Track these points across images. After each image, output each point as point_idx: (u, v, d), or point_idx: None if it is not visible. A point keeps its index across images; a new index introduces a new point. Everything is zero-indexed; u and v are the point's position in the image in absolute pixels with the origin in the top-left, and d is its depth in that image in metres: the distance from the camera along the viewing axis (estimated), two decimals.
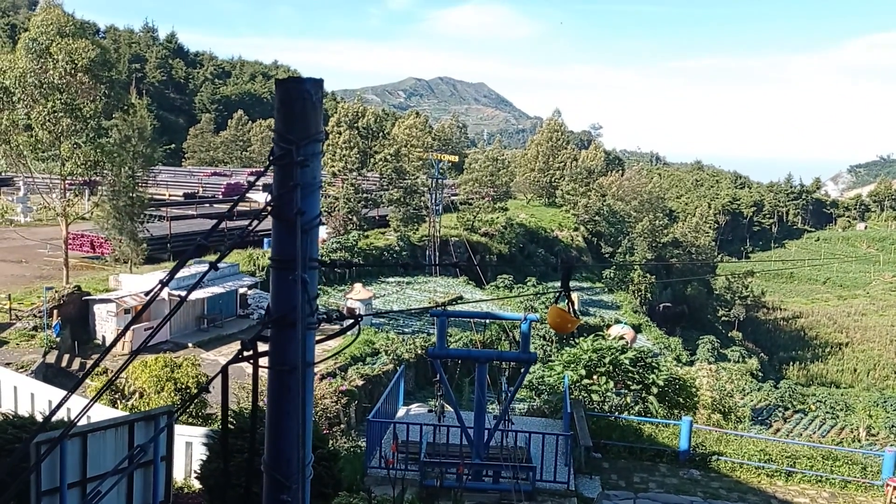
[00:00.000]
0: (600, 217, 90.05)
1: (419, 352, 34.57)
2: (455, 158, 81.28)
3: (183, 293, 29.07)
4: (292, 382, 4.03)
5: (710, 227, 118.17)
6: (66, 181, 36.20)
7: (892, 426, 51.58)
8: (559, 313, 10.79)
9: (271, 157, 4.05)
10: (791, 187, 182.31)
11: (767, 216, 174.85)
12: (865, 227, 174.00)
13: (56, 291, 31.36)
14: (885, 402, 56.84)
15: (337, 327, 3.91)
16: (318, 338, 4.43)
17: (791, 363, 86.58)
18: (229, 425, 13.24)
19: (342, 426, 25.01)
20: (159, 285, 3.98)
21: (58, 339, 29.22)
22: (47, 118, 32.94)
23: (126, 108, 36.97)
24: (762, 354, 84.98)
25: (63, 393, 19.93)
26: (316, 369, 4.49)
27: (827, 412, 57.09)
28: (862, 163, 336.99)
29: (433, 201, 62.12)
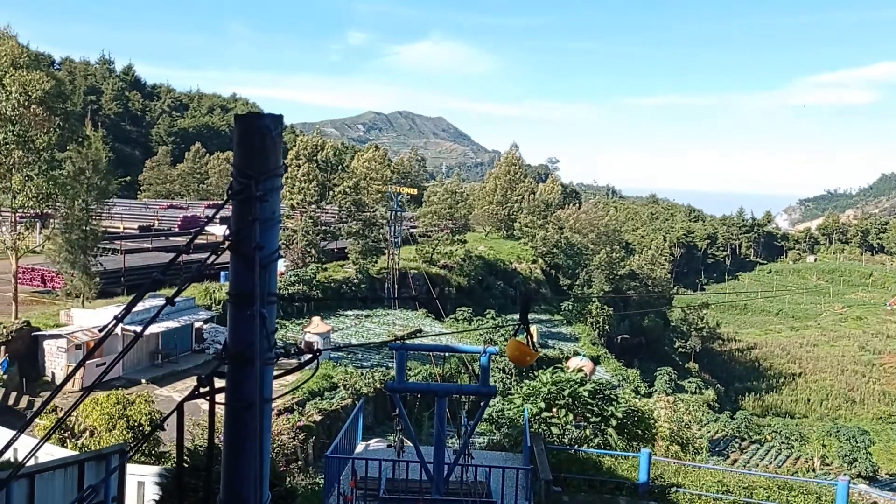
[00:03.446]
0: (558, 249, 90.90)
1: (378, 386, 34.29)
2: (414, 191, 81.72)
3: (137, 328, 28.47)
4: (249, 419, 3.98)
5: (665, 260, 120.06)
6: (17, 214, 35.41)
7: (845, 455, 52.51)
8: (518, 346, 10.82)
9: (230, 192, 4.03)
10: (743, 220, 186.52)
11: (721, 248, 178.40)
12: (815, 260, 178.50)
13: (4, 327, 30.48)
14: (837, 431, 57.89)
15: (294, 361, 3.87)
16: (275, 372, 4.39)
17: (747, 394, 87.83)
18: (184, 463, 12.92)
19: (300, 462, 24.59)
20: (114, 321, 3.92)
21: (5, 377, 28.36)
22: None
23: (81, 140, 36.45)
24: (718, 385, 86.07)
25: (10, 432, 19.29)
26: (273, 405, 4.44)
27: (782, 442, 57.93)
28: (811, 196, 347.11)
29: (392, 234, 62.13)
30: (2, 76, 32.46)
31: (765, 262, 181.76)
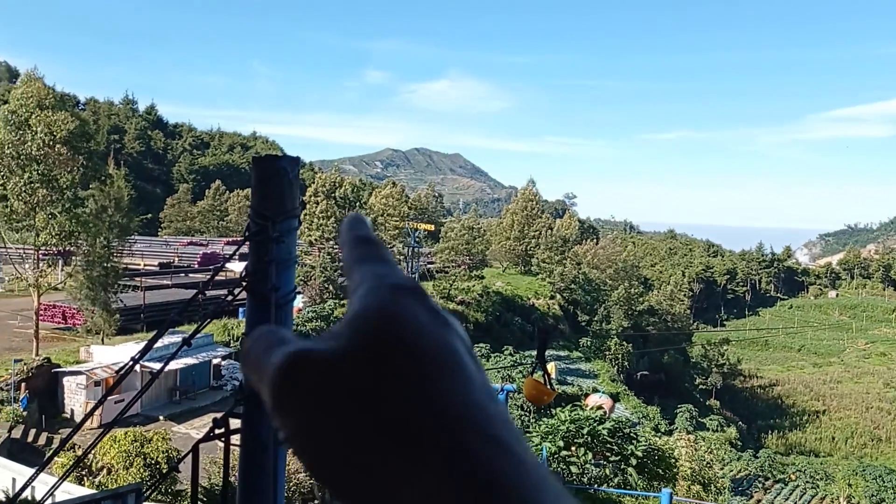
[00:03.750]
0: (576, 285, 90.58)
1: None
2: (431, 227, 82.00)
3: (155, 365, 28.58)
4: (265, 460, 3.98)
5: (684, 295, 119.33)
6: (40, 251, 35.91)
7: (872, 495, 51.34)
8: (535, 385, 10.75)
9: (247, 233, 4.09)
10: (762, 255, 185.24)
11: (741, 284, 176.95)
12: (837, 295, 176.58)
13: (25, 364, 30.73)
14: (864, 470, 56.67)
15: None
16: None
17: (769, 431, 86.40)
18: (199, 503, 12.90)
19: (317, 502, 24.41)
20: (131, 362, 3.96)
21: (24, 413, 28.51)
22: (23, 189, 32.88)
23: (104, 178, 37.05)
24: (740, 423, 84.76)
25: (28, 469, 19.35)
26: None
27: (807, 482, 56.81)
28: (831, 231, 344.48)
29: (409, 269, 62.28)
30: (28, 117, 33.17)
31: (785, 297, 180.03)
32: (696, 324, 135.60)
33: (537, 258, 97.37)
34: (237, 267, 50.39)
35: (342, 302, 57.62)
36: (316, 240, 60.18)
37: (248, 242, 4.21)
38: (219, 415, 3.89)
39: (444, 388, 0.46)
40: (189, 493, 20.29)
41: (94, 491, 14.26)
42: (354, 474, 0.44)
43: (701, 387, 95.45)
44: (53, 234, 34.24)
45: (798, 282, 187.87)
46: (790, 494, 53.52)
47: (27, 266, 36.16)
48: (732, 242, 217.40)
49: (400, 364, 0.46)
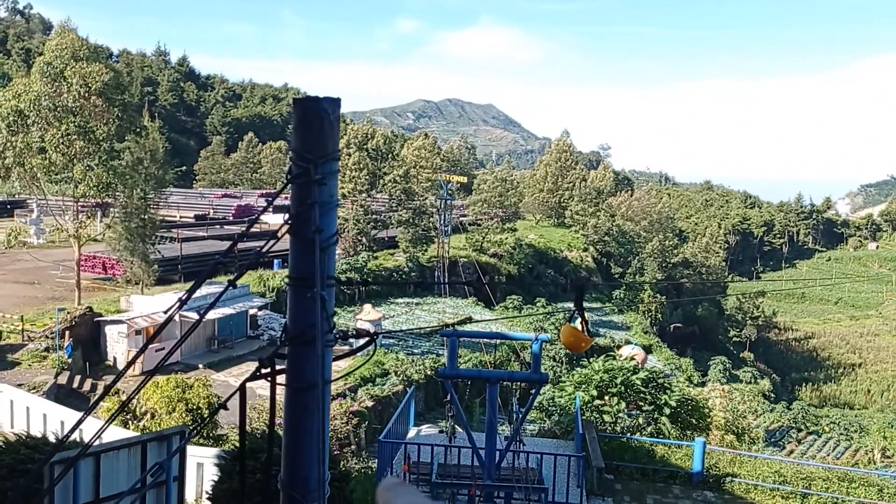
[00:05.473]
0: (609, 237, 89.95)
1: (428, 373, 34.47)
2: (464, 179, 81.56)
3: (194, 314, 29.04)
4: (310, 400, 4.03)
5: (720, 248, 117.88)
6: (79, 203, 36.50)
7: None
8: (573, 332, 10.72)
9: (289, 176, 4.08)
10: (801, 207, 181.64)
11: (778, 236, 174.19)
12: (877, 247, 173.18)
13: (68, 313, 31.49)
14: None
15: (346, 348, 3.96)
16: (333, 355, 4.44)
17: (803, 384, 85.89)
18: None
19: (352, 447, 24.90)
20: (178, 304, 4.01)
21: (69, 360, 29.31)
22: (61, 141, 33.28)
23: (138, 130, 37.32)
24: (774, 375, 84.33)
25: (74, 413, 19.97)
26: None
27: (841, 434, 56.48)
28: (872, 182, 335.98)
29: (442, 222, 62.22)
30: (63, 68, 33.38)
31: (824, 249, 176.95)
32: (731, 276, 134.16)
33: (571, 210, 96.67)
34: (271, 219, 50.83)
35: (375, 254, 57.97)
36: (349, 192, 60.26)
37: (288, 187, 4.20)
38: (257, 363, 3.94)
39: None
40: (230, 437, 20.82)
41: (139, 433, 14.71)
42: None
43: (735, 339, 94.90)
44: (91, 185, 34.70)
45: (837, 233, 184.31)
46: (823, 446, 53.29)
47: (67, 217, 36.80)
48: (771, 195, 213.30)
49: None
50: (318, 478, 3.94)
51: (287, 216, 4.05)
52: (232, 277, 4.48)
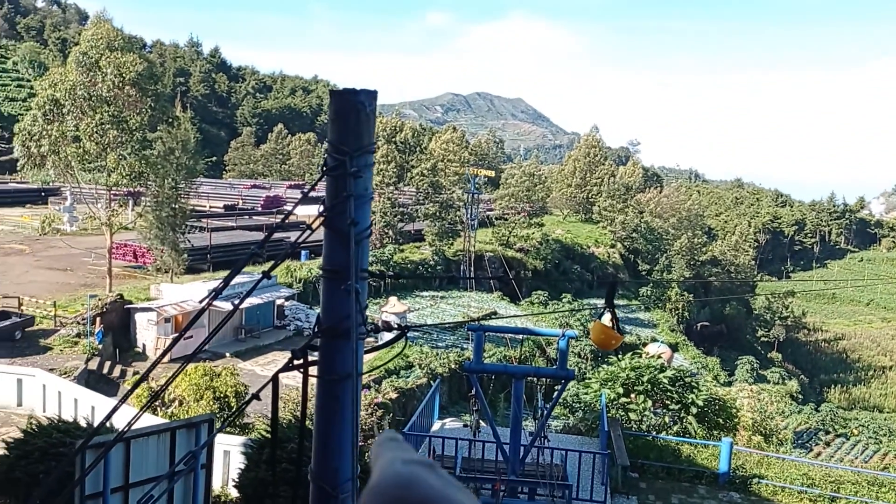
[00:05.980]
0: (637, 234, 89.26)
1: (453, 366, 34.52)
2: (491, 173, 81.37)
3: (223, 304, 29.23)
4: (341, 392, 4.05)
5: (749, 246, 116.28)
6: (112, 192, 36.98)
7: None
8: (603, 329, 10.68)
9: (324, 168, 4.09)
10: (834, 206, 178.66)
11: (809, 235, 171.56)
12: None
13: (99, 299, 31.96)
14: None
15: (373, 340, 3.93)
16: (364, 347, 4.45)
17: (832, 386, 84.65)
18: (268, 435, 13.33)
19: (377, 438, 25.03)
20: (212, 293, 4.04)
21: (100, 347, 29.77)
22: (95, 130, 33.75)
23: (170, 120, 37.71)
24: (802, 376, 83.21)
25: (104, 399, 20.27)
26: None
27: (870, 437, 55.65)
28: None
29: (469, 216, 62.16)
30: (98, 58, 33.82)
31: (856, 249, 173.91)
32: (760, 275, 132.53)
33: (599, 206, 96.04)
34: (300, 210, 51.08)
35: (401, 247, 58.08)
36: (376, 185, 60.40)
37: (323, 179, 4.21)
38: (283, 353, 3.96)
39: None
40: (257, 426, 21.01)
41: (168, 420, 14.91)
42: None
43: (763, 339, 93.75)
44: (124, 174, 35.16)
45: (870, 234, 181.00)
46: (852, 449, 52.58)
47: (100, 206, 37.31)
48: (803, 193, 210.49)
49: None
50: (352, 469, 3.96)
51: (321, 208, 4.06)
52: (260, 268, 4.50)
